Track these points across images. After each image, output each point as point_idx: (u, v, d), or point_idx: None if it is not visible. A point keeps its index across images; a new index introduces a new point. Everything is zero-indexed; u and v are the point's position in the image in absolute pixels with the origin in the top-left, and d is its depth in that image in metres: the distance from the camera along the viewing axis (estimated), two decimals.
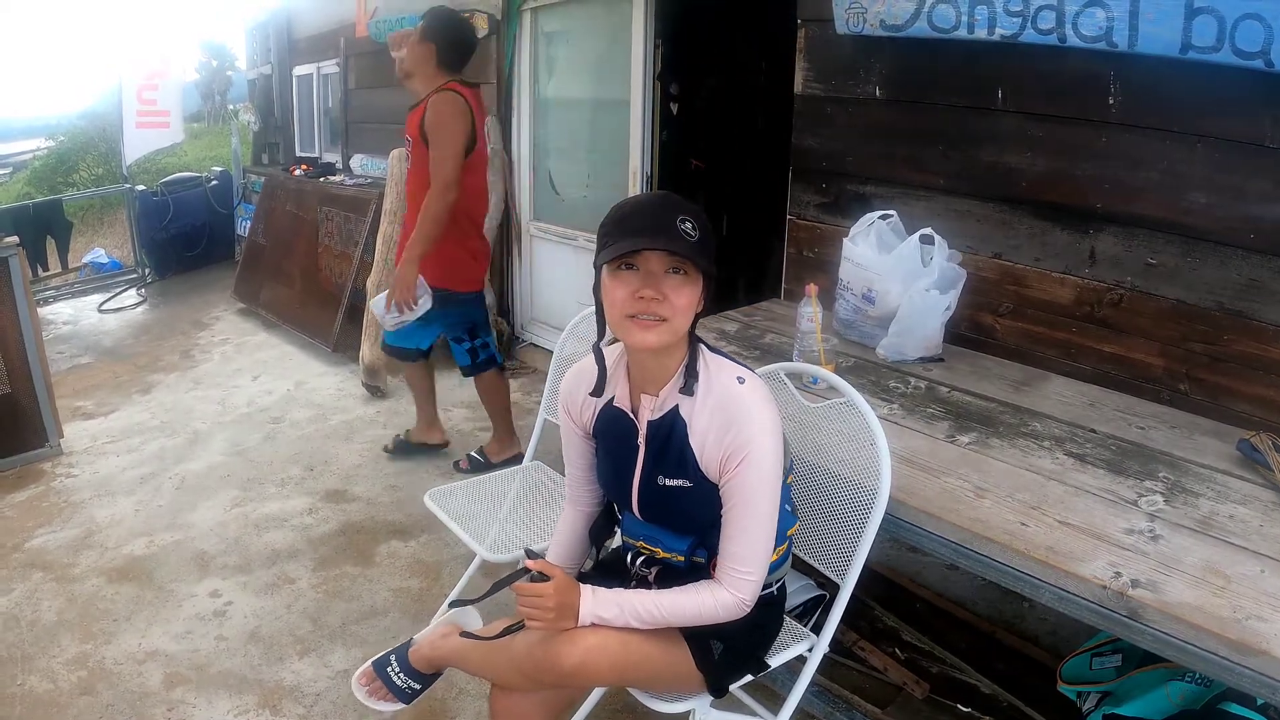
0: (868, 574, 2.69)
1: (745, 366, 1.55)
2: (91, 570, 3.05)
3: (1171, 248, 2.17)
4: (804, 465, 1.86)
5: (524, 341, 5.32)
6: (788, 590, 2.28)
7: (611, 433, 1.62)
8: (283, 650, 2.60)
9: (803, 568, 1.92)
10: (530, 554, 1.52)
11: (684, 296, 1.42)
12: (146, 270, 7.46)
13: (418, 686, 1.76)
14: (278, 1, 7.42)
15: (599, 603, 1.49)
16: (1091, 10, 1.99)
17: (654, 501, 1.58)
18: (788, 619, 1.82)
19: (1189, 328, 2.17)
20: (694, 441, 1.50)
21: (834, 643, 2.41)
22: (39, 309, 6.73)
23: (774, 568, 1.62)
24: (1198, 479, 1.78)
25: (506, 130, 5.05)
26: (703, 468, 1.50)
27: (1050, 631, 2.47)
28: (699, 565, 1.58)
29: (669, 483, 1.53)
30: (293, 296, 5.99)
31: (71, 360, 5.41)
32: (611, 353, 1.61)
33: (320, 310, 5.60)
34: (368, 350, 4.74)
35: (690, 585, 1.53)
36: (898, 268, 2.47)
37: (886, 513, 1.71)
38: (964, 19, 2.30)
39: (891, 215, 2.61)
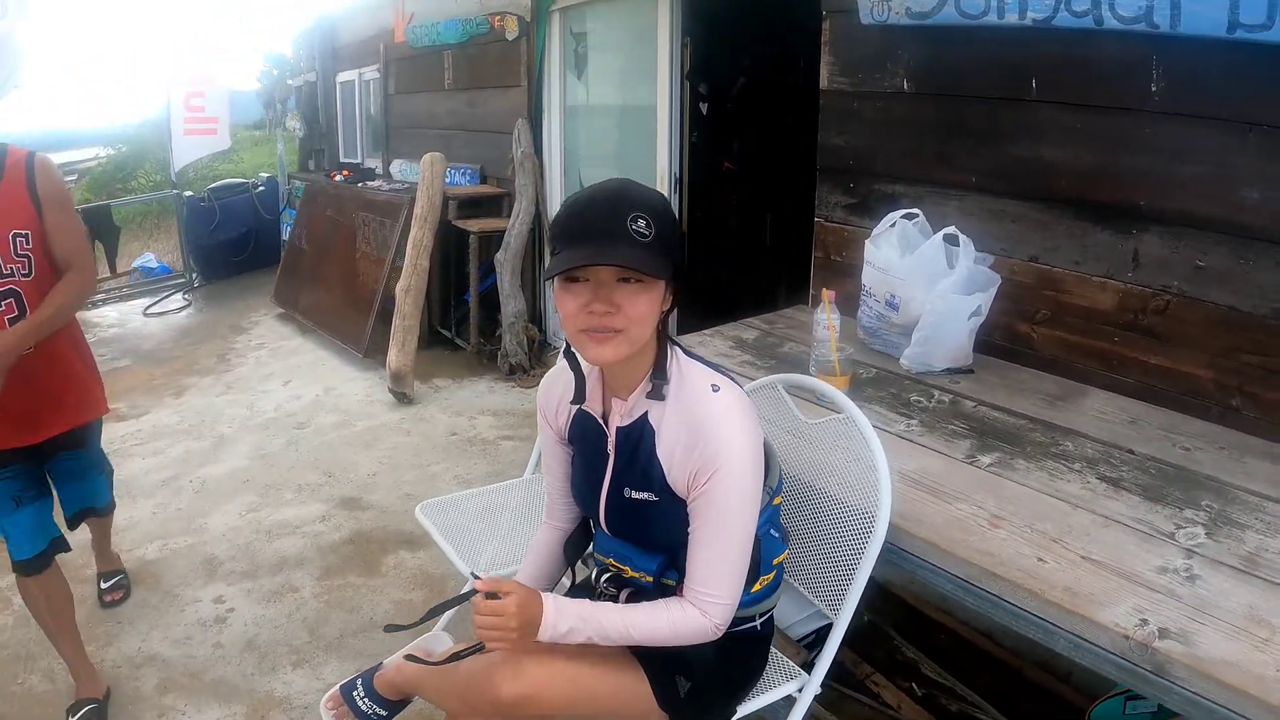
0: (887, 599, 2.52)
1: (725, 374, 1.41)
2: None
3: (1222, 249, 1.95)
4: (801, 486, 1.71)
5: (554, 347, 5.24)
6: (795, 618, 2.14)
7: (584, 439, 1.50)
8: (277, 660, 2.55)
9: None
10: (476, 576, 1.40)
11: (639, 305, 1.28)
12: (194, 275, 7.56)
13: (383, 713, 1.68)
14: (323, 9, 7.49)
15: (561, 615, 1.34)
16: None
17: (621, 515, 1.45)
18: (778, 655, 1.66)
19: (1242, 337, 1.95)
20: (661, 453, 1.37)
21: (846, 675, 2.26)
22: (87, 312, 6.91)
23: (759, 598, 1.49)
24: (1245, 508, 1.57)
25: (537, 133, 4.99)
26: (670, 482, 1.36)
27: (1084, 669, 2.26)
28: (668, 588, 1.45)
29: (635, 495, 1.40)
30: (329, 302, 6.00)
31: (110, 363, 5.47)
32: None
33: (355, 316, 5.58)
34: (394, 356, 4.70)
35: (660, 601, 1.39)
36: (920, 271, 2.30)
37: (887, 541, 1.55)
38: (993, 3, 2.12)
39: (917, 215, 2.44)
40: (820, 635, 2.22)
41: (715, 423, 1.32)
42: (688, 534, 1.37)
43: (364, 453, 3.99)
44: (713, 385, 1.36)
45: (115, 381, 5.14)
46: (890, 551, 1.57)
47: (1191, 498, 1.61)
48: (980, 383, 2.25)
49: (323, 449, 4.06)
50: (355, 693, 1.68)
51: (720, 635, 1.38)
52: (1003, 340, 2.43)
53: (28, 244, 2.18)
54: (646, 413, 1.39)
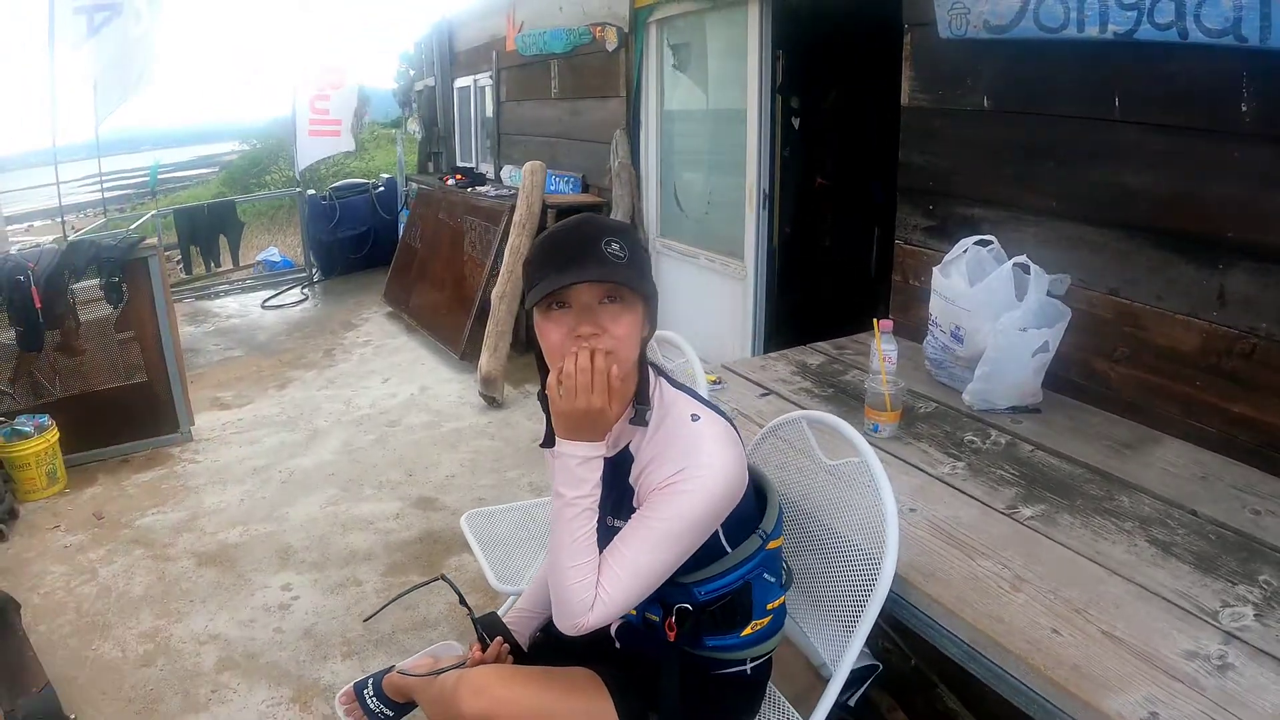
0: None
1: (711, 406, 1.36)
2: (186, 552, 3.22)
3: None
4: (818, 527, 1.63)
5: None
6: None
7: None
8: (329, 650, 2.63)
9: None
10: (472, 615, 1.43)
11: (623, 325, 1.25)
12: (313, 270, 7.92)
13: (390, 714, 1.70)
14: (441, 15, 7.75)
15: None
16: None
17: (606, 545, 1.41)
18: (781, 700, 1.59)
19: None
20: (633, 477, 1.34)
21: None
22: (209, 302, 7.36)
23: (750, 642, 1.43)
24: None
25: (634, 144, 4.99)
26: (635, 504, 1.33)
27: None
28: (653, 624, 1.41)
29: (615, 524, 1.36)
30: (435, 303, 6.17)
31: (224, 353, 5.80)
32: None
33: (455, 318, 5.72)
34: (485, 360, 4.77)
35: (595, 563, 1.28)
36: (987, 301, 2.16)
37: (897, 594, 1.45)
38: (1073, 15, 1.96)
39: (991, 242, 2.30)
40: (858, 676, 2.13)
41: (689, 446, 1.28)
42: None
43: (446, 454, 4.07)
44: (693, 415, 1.31)
45: (226, 371, 5.47)
46: (897, 606, 1.47)
47: (1249, 571, 1.44)
48: (1045, 424, 2.10)
49: (408, 447, 4.16)
50: (366, 691, 1.72)
51: (578, 634, 1.29)
52: (1079, 377, 2.26)
53: None
54: (630, 443, 1.35)
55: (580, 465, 1.27)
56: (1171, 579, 1.43)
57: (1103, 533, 1.59)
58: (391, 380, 5.21)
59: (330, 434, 4.36)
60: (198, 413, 4.44)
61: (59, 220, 5.63)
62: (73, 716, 2.31)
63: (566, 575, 1.27)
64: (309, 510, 3.53)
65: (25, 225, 13.35)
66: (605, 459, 1.36)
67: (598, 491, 1.29)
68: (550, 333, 1.27)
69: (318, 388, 5.13)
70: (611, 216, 5.00)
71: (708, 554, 1.33)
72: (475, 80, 7.34)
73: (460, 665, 1.45)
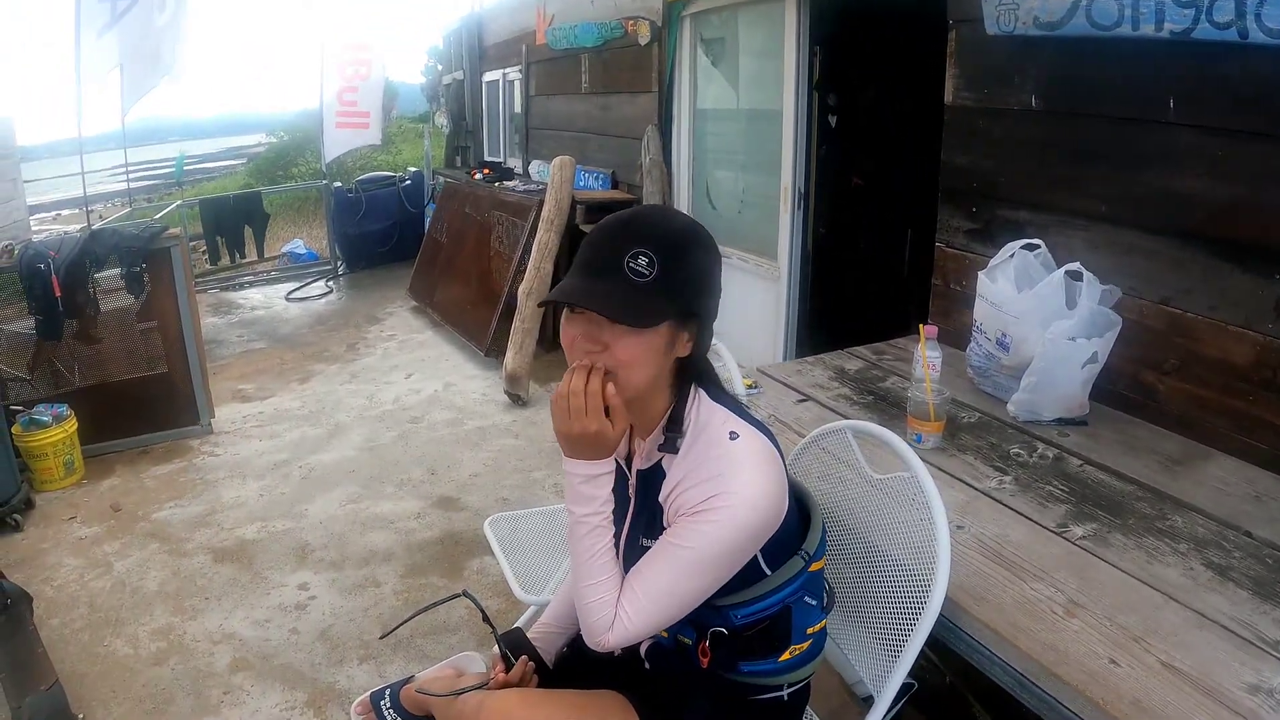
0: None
1: (753, 422, 1.27)
2: (202, 547, 3.19)
3: None
4: (862, 544, 1.56)
5: None
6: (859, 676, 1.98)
7: (616, 480, 1.40)
8: (345, 653, 2.58)
9: None
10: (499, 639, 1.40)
11: (629, 349, 1.16)
12: (339, 263, 7.91)
13: None
14: (470, 9, 7.70)
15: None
16: None
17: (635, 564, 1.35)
18: None
19: None
20: (663, 495, 1.26)
21: None
22: (233, 294, 7.37)
23: (788, 667, 1.35)
24: None
25: (666, 140, 4.92)
26: (665, 524, 1.25)
27: None
28: (685, 647, 1.34)
29: (645, 543, 1.30)
30: (459, 298, 6.13)
31: (246, 344, 5.78)
32: None
33: (481, 314, 5.67)
34: (511, 358, 4.73)
35: (616, 581, 1.25)
36: (1036, 309, 2.09)
37: (944, 617, 1.38)
38: (1128, 13, 1.88)
39: (1039, 246, 2.22)
40: (895, 695, 2.06)
41: (723, 469, 1.19)
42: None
43: (470, 452, 4.02)
44: (731, 433, 1.22)
45: (248, 363, 5.46)
46: (946, 629, 1.40)
47: None
48: (1093, 437, 2.01)
49: (431, 445, 4.11)
50: (383, 702, 1.67)
51: (604, 651, 1.25)
52: (1127, 390, 2.18)
53: None
54: (662, 458, 1.28)
55: (585, 483, 1.22)
56: (1230, 605, 1.35)
57: (1157, 555, 1.51)
58: (415, 376, 5.18)
59: (352, 429, 4.32)
60: (218, 405, 4.43)
61: (85, 209, 5.66)
62: (81, 716, 2.28)
63: (584, 593, 1.23)
64: (328, 507, 3.49)
65: (53, 214, 13.52)
66: (640, 472, 1.31)
67: (608, 507, 1.24)
68: (565, 333, 1.22)
69: (340, 382, 5.10)
70: None
71: (746, 576, 1.26)
72: (504, 74, 7.30)
73: (482, 685, 1.39)
